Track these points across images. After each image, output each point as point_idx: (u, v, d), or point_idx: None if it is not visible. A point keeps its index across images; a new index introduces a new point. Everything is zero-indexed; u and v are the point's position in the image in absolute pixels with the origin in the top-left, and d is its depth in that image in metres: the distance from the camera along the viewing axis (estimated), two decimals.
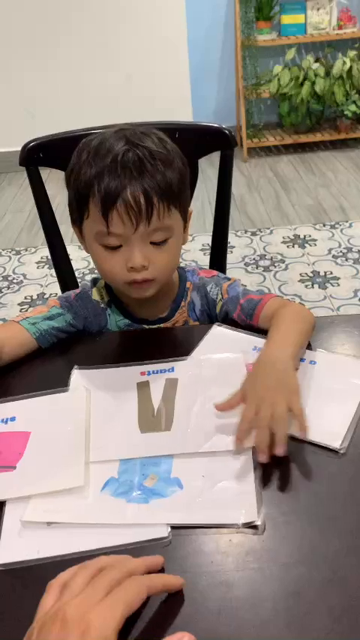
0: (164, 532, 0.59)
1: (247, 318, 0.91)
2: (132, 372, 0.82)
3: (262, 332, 0.89)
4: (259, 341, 0.87)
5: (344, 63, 3.55)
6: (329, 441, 0.68)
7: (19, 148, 1.17)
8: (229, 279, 0.99)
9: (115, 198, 0.79)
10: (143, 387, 0.79)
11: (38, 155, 1.17)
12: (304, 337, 0.82)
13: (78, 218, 0.87)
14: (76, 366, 0.83)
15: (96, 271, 0.92)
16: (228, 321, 0.93)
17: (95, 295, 0.98)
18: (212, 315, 0.97)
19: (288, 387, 0.71)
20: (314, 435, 0.69)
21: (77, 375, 0.82)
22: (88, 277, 2.51)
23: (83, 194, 0.82)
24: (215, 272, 1.02)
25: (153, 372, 0.81)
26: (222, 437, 0.70)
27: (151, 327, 0.96)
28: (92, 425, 0.74)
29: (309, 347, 0.84)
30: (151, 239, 0.83)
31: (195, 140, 1.19)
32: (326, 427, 0.70)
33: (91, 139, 0.85)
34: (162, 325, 0.96)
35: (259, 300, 0.91)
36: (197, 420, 0.73)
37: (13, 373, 0.85)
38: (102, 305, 0.97)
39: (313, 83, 3.56)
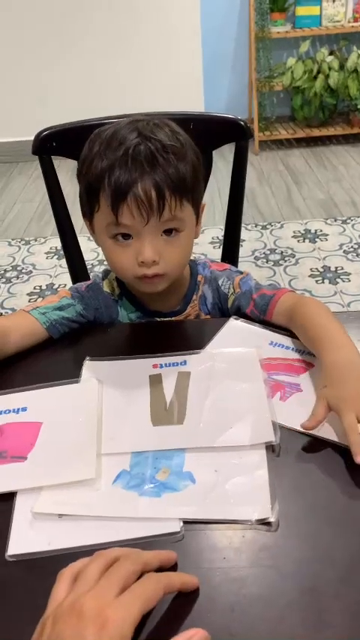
0: (176, 527, 0.59)
1: (260, 314, 0.90)
2: (144, 365, 0.81)
3: (278, 327, 0.88)
4: (275, 336, 0.86)
5: (359, 56, 3.51)
6: (344, 439, 0.67)
7: (31, 138, 1.16)
8: (240, 272, 0.98)
9: (125, 192, 0.78)
10: (155, 380, 0.78)
11: (51, 144, 1.16)
12: (346, 332, 0.79)
13: (88, 211, 0.86)
14: (87, 358, 0.83)
15: (105, 263, 0.91)
16: (240, 314, 0.92)
17: (106, 287, 0.97)
18: (224, 309, 0.96)
19: None
20: (330, 434, 0.68)
21: (89, 367, 0.81)
22: (97, 268, 2.50)
23: (94, 187, 0.81)
24: (227, 265, 1.01)
25: (165, 365, 0.80)
26: (235, 432, 0.69)
27: (163, 319, 0.95)
28: (104, 417, 0.73)
29: None
30: (164, 228, 0.82)
31: (209, 131, 1.17)
32: (340, 425, 0.69)
33: (103, 130, 0.84)
34: (174, 318, 0.95)
35: (272, 296, 0.90)
36: (210, 414, 0.72)
37: (24, 363, 0.85)
38: (113, 297, 0.96)
39: (327, 76, 3.53)
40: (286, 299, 0.89)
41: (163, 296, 0.91)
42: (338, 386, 0.70)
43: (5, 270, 2.60)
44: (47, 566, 0.57)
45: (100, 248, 0.88)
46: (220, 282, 0.96)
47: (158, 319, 0.95)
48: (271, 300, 0.89)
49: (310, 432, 0.68)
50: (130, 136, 0.80)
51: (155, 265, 0.82)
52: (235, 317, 0.90)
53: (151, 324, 0.95)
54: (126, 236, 0.82)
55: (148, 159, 0.78)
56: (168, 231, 0.82)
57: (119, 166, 0.78)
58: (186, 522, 0.59)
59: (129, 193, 0.78)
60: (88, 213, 0.86)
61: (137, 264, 0.82)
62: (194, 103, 3.52)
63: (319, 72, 3.55)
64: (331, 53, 3.63)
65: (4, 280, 2.53)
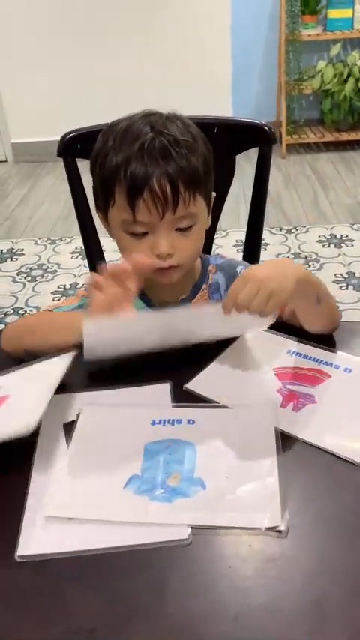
0: (184, 534, 0.59)
1: None
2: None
3: (294, 334, 0.87)
4: (294, 344, 0.85)
5: None
6: (353, 455, 0.67)
7: (58, 138, 1.18)
8: None
9: (141, 187, 0.80)
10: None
11: (76, 146, 1.18)
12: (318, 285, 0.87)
13: (103, 205, 0.88)
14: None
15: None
16: None
17: None
18: None
19: None
20: (339, 448, 0.68)
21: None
22: None
23: (109, 182, 0.84)
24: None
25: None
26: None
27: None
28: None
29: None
30: (177, 226, 0.85)
31: (234, 136, 1.17)
32: (352, 441, 0.69)
33: (116, 123, 0.87)
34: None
35: None
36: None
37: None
38: None
39: (358, 80, 3.48)
40: None
41: (173, 285, 0.92)
42: (259, 267, 0.80)
43: (31, 269, 2.63)
44: (56, 568, 0.57)
45: None
46: (238, 270, 0.98)
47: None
48: None
49: (322, 445, 0.68)
50: (144, 130, 0.83)
51: (170, 258, 0.85)
52: None
53: None
54: (141, 232, 0.84)
55: (162, 153, 0.81)
56: (181, 228, 0.85)
57: (135, 161, 0.81)
58: (194, 528, 0.59)
59: (145, 188, 0.80)
60: (103, 207, 0.89)
61: (152, 257, 0.84)
62: (222, 105, 3.51)
63: (349, 75, 3.51)
64: None
65: (29, 279, 2.56)
